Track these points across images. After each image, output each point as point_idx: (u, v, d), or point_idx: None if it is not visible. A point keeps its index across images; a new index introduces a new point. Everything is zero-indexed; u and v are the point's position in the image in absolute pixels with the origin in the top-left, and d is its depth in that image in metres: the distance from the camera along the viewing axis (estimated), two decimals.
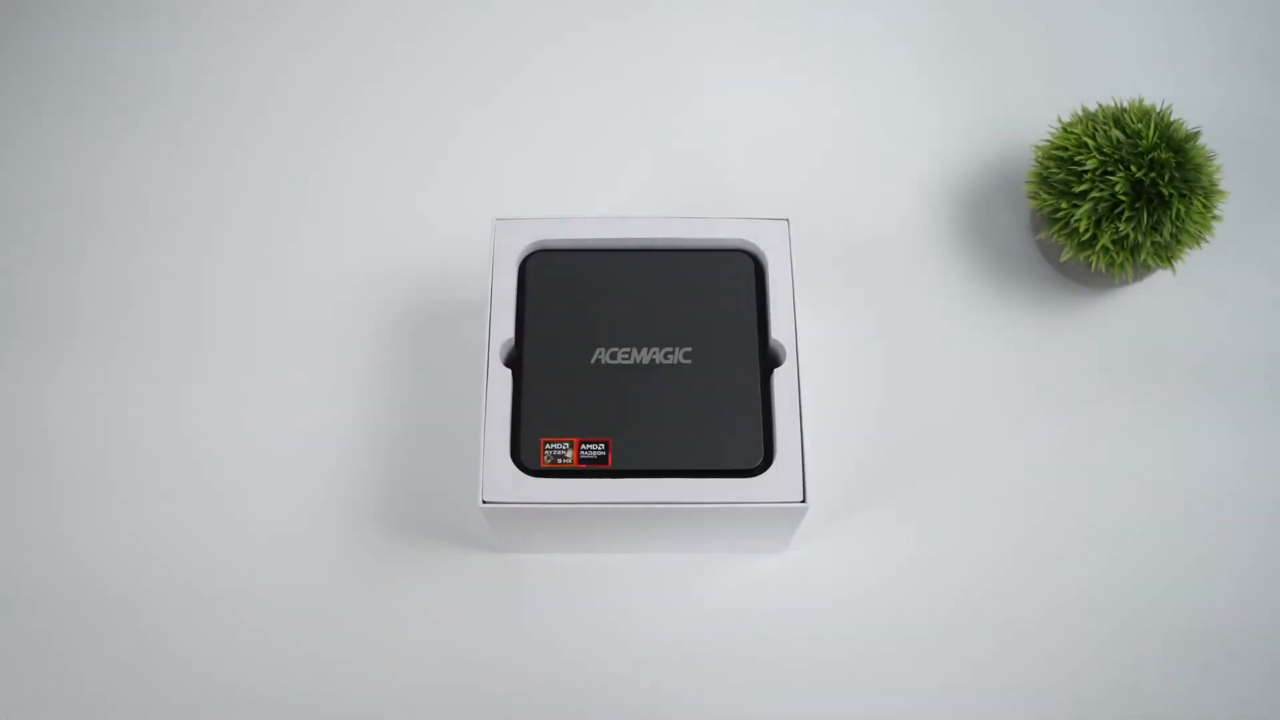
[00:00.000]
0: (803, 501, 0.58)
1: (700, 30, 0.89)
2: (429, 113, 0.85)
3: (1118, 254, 0.69)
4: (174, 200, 0.81)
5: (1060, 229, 0.71)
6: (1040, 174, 0.73)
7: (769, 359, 0.61)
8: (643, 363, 0.60)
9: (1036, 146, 0.74)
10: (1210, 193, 0.70)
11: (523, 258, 0.63)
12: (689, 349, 0.60)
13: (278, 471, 0.71)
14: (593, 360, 0.60)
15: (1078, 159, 0.70)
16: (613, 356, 0.60)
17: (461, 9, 0.89)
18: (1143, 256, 0.69)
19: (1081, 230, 0.69)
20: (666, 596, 0.68)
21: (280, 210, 0.81)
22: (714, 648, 0.67)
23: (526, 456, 0.58)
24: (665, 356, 0.60)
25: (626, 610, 0.68)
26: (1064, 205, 0.70)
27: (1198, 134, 0.71)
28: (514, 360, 0.61)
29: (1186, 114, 0.72)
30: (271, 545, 0.69)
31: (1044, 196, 0.72)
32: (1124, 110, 0.71)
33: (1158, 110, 0.71)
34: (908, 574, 0.69)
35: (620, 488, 0.57)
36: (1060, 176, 0.71)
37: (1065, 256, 0.72)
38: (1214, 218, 0.70)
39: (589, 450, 0.58)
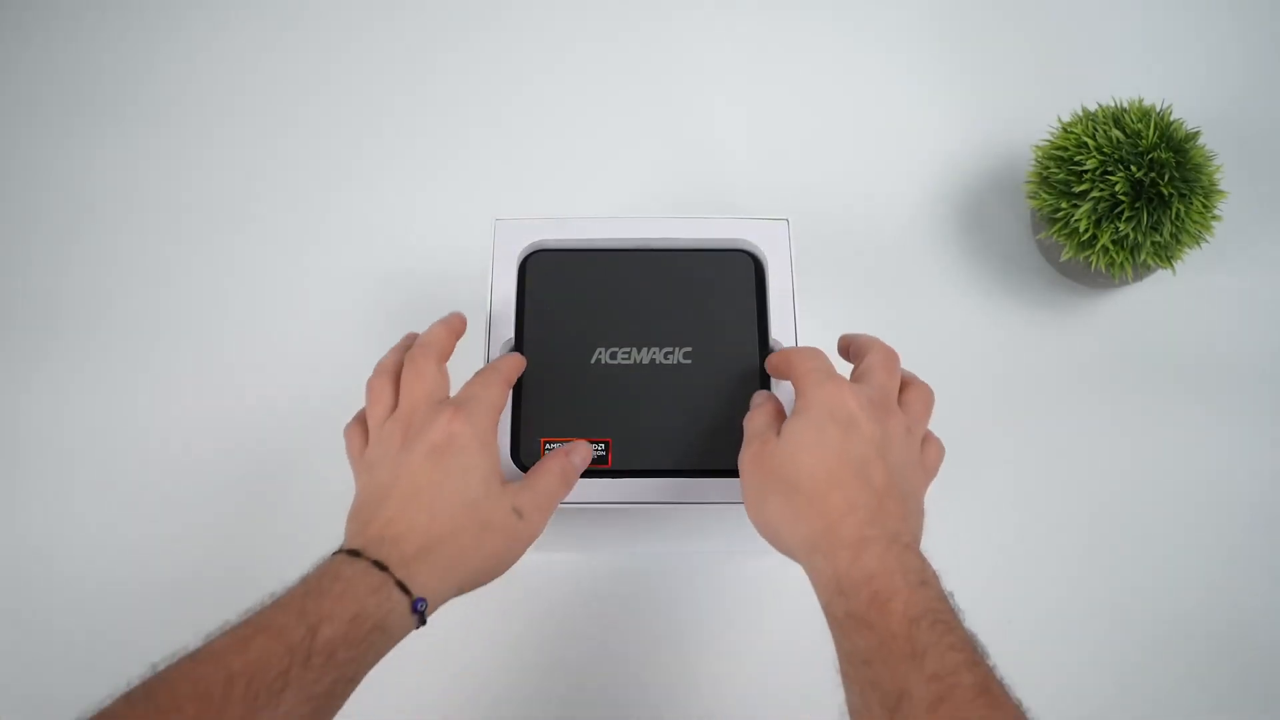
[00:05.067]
0: None
1: (701, 32, 0.89)
2: (430, 113, 0.85)
3: (1118, 254, 0.69)
4: (175, 202, 0.81)
5: (1060, 229, 0.71)
6: (1040, 174, 0.73)
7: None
8: (643, 363, 0.60)
9: (1036, 146, 0.74)
10: (1210, 193, 0.70)
11: (522, 258, 0.63)
12: (689, 349, 0.60)
13: (278, 470, 0.71)
14: (593, 360, 0.60)
15: (1078, 159, 0.70)
16: (613, 356, 0.60)
17: (463, 12, 0.89)
18: (1143, 256, 0.69)
19: (1081, 230, 0.69)
20: (666, 596, 0.68)
21: (279, 211, 0.81)
22: (714, 647, 0.67)
23: (526, 456, 0.58)
24: (665, 356, 0.60)
25: (627, 610, 0.68)
26: (1064, 205, 0.70)
27: (1198, 134, 0.71)
28: None
29: (1186, 114, 0.72)
30: (271, 544, 0.69)
31: (1044, 196, 0.72)
32: (1124, 110, 0.71)
33: (1158, 110, 0.71)
34: None
35: (620, 487, 0.57)
36: (1060, 176, 0.71)
37: (1065, 256, 0.72)
38: (1214, 218, 0.70)
39: None
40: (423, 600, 0.47)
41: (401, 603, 0.46)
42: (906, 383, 0.54)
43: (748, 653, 0.67)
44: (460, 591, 0.50)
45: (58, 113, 0.85)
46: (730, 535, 0.64)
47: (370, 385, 0.54)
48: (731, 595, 0.68)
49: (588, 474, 0.57)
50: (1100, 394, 0.74)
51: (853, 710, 0.44)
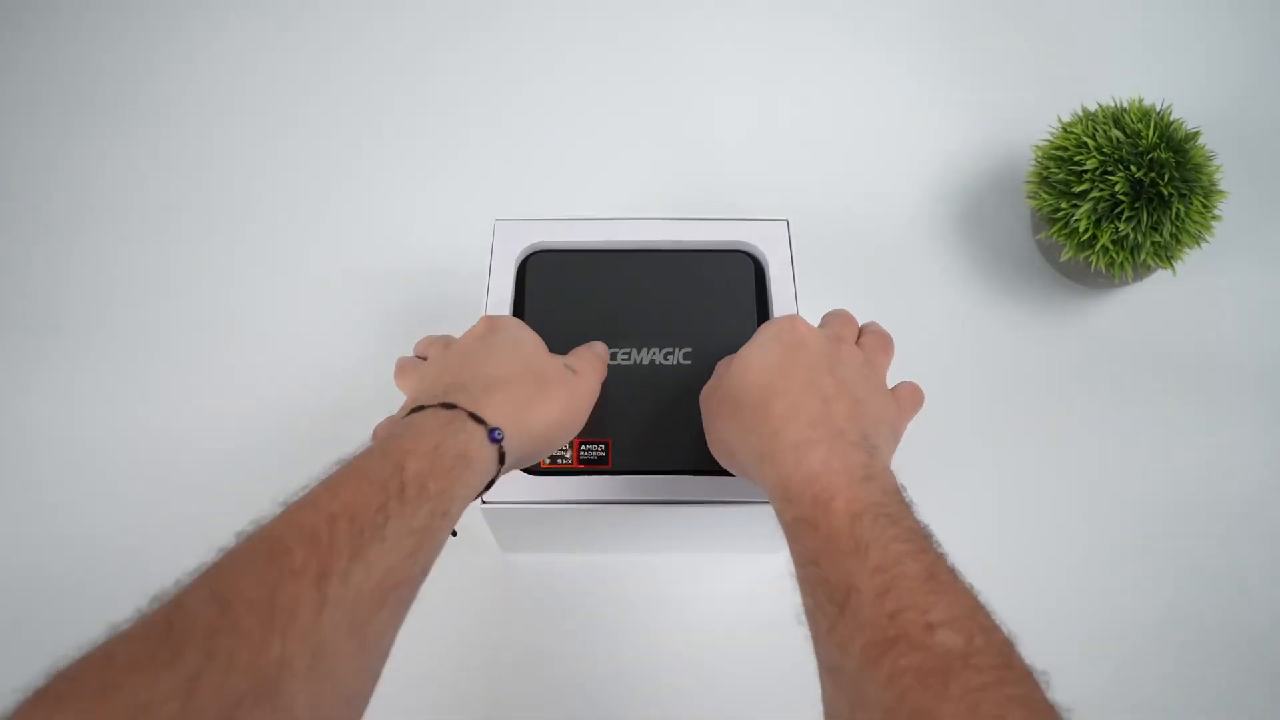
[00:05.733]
0: None
1: (701, 32, 0.89)
2: (430, 113, 0.85)
3: (1118, 254, 0.69)
4: (175, 202, 0.81)
5: (1060, 229, 0.71)
6: (1040, 174, 0.73)
7: None
8: (643, 363, 0.60)
9: (1036, 146, 0.74)
10: (1210, 193, 0.70)
11: (522, 258, 0.63)
12: (689, 349, 0.60)
13: (279, 470, 0.71)
14: None
15: (1078, 159, 0.70)
16: (613, 356, 0.60)
17: (463, 12, 0.89)
18: (1143, 256, 0.69)
19: (1081, 230, 0.69)
20: (666, 596, 0.68)
21: (279, 211, 0.81)
22: (714, 648, 0.67)
23: None
24: (665, 356, 0.60)
25: (626, 610, 0.68)
26: (1064, 205, 0.70)
27: (1198, 134, 0.71)
28: None
29: (1186, 114, 0.72)
30: None
31: (1044, 196, 0.72)
32: (1124, 110, 0.71)
33: (1158, 110, 0.71)
34: None
35: (620, 486, 0.57)
36: (1060, 176, 0.71)
37: (1065, 256, 0.72)
38: (1214, 218, 0.70)
39: (589, 450, 0.58)
40: (499, 430, 0.46)
41: (478, 432, 0.45)
42: (864, 329, 0.56)
43: (747, 652, 0.67)
44: (534, 448, 0.50)
45: (58, 113, 0.85)
46: (730, 535, 0.64)
47: (399, 365, 0.56)
48: (731, 595, 0.68)
49: (588, 474, 0.57)
50: (1100, 394, 0.74)
51: (807, 611, 0.44)
